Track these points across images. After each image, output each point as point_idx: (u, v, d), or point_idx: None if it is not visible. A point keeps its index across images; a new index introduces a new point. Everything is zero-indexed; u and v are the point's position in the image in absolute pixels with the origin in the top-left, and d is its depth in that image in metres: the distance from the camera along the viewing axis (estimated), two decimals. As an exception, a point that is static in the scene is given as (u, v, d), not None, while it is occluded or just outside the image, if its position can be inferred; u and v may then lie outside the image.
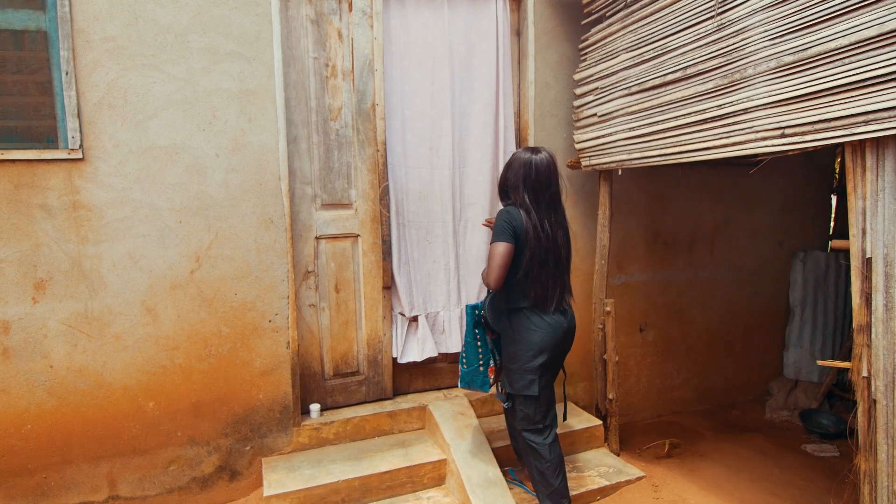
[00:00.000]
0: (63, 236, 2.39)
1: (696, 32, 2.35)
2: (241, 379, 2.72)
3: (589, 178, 3.41)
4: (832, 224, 4.45)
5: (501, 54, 3.21)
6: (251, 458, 2.76)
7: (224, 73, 2.59)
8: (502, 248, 2.23)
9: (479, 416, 3.08)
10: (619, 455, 3.15)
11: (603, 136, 2.94)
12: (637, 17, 2.66)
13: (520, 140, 3.35)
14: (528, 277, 2.29)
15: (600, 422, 3.19)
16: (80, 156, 2.38)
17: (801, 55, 1.90)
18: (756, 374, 4.20)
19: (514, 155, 2.41)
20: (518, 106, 3.34)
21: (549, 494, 2.40)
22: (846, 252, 2.93)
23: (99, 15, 2.38)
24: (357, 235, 3.02)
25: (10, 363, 2.35)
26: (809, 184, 4.27)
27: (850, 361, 1.91)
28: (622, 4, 2.77)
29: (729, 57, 2.19)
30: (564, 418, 2.74)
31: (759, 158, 2.21)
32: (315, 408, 2.92)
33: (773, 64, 2.00)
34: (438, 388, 3.33)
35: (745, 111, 2.13)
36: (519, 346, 2.35)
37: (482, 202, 3.28)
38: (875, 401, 1.81)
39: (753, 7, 2.07)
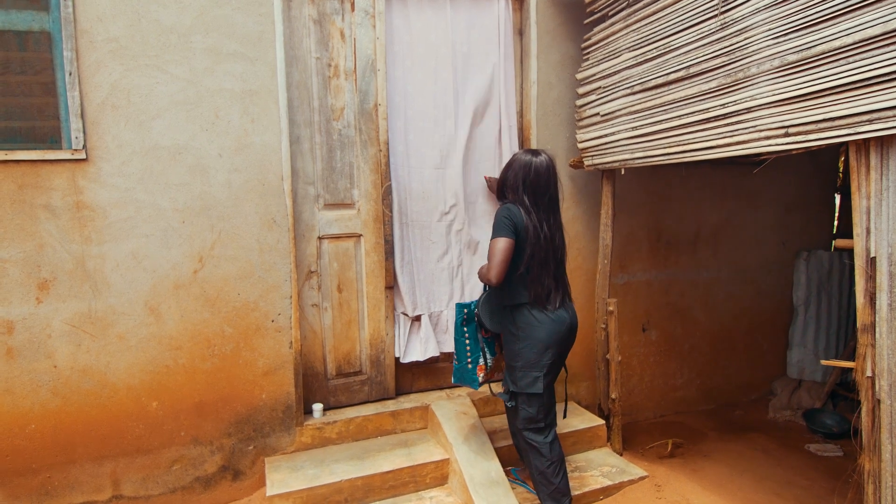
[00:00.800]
0: (67, 236, 2.40)
1: (698, 31, 2.34)
2: (244, 379, 2.72)
3: (591, 177, 3.40)
4: (836, 223, 4.44)
5: (504, 54, 3.21)
6: (254, 458, 2.76)
7: (227, 74, 2.59)
8: (503, 243, 2.23)
9: (481, 416, 3.07)
10: (621, 455, 3.14)
11: (605, 135, 2.94)
12: (639, 17, 2.66)
13: (522, 139, 3.35)
14: (529, 275, 2.30)
15: (603, 421, 3.19)
16: (83, 156, 2.38)
17: (804, 54, 1.90)
18: (759, 373, 4.19)
19: (514, 156, 2.42)
20: (520, 105, 3.34)
21: (550, 493, 2.40)
22: (850, 251, 2.92)
23: (102, 16, 2.39)
24: (360, 235, 3.02)
25: (14, 363, 2.36)
26: (813, 183, 4.26)
27: (853, 361, 1.91)
28: (624, 4, 2.76)
29: (732, 56, 2.18)
30: (564, 416, 2.75)
31: (762, 158, 2.21)
32: (318, 407, 2.93)
33: (776, 63, 2.00)
34: (441, 388, 3.33)
35: (749, 110, 2.12)
36: (523, 343, 2.35)
37: (484, 202, 3.28)
38: (879, 400, 1.81)
39: (756, 6, 2.06)
